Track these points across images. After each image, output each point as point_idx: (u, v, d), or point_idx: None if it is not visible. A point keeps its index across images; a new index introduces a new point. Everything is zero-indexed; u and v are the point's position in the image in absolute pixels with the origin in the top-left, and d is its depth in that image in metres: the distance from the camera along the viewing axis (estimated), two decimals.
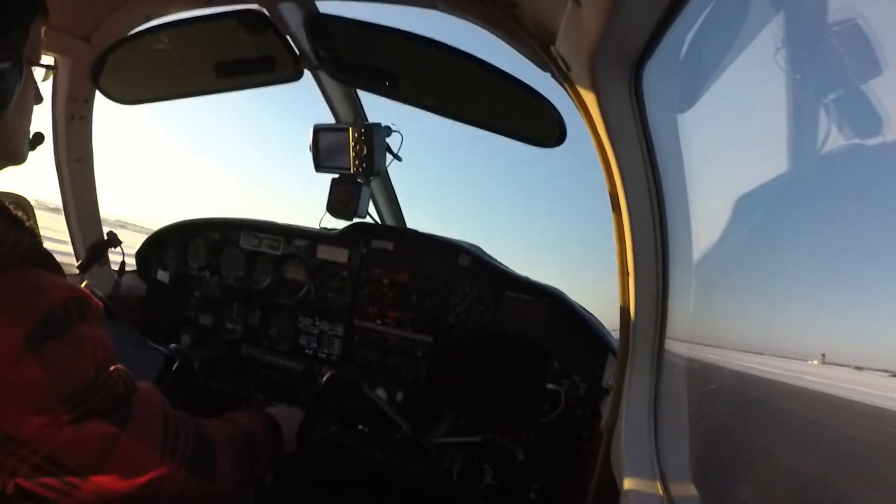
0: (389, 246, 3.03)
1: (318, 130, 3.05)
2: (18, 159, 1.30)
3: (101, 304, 1.23)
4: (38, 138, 1.37)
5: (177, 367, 2.35)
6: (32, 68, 1.29)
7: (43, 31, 1.30)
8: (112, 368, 1.20)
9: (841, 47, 1.09)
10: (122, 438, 1.15)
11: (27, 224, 1.20)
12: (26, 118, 1.30)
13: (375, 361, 3.03)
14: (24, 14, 1.21)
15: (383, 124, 2.98)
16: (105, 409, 1.14)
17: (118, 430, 1.15)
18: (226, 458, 1.41)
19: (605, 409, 2.18)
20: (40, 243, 1.20)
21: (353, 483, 2.99)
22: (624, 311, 1.95)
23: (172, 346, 2.45)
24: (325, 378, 2.48)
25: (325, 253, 3.15)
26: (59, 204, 2.93)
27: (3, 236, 1.10)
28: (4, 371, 1.02)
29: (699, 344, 1.86)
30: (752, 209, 1.53)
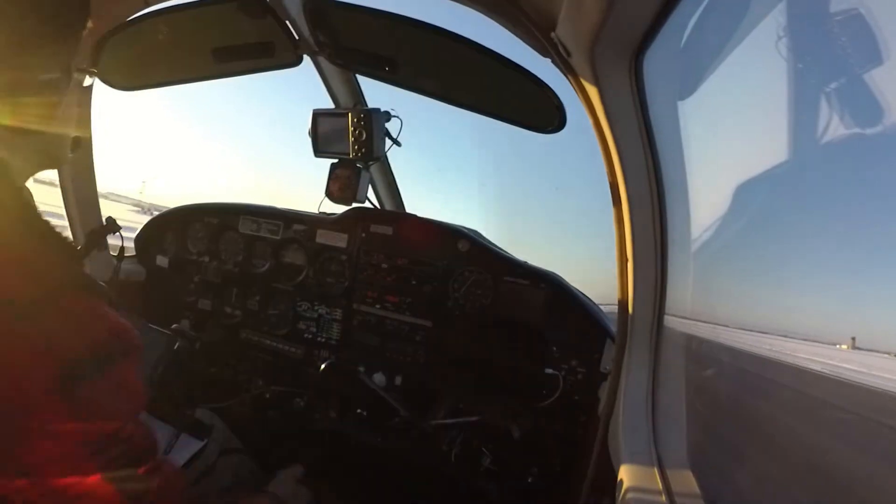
0: (388, 231, 3.04)
1: (318, 115, 3.04)
2: (59, 163, 1.31)
3: (139, 340, 1.15)
4: (77, 141, 1.35)
5: (178, 347, 2.36)
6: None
7: None
8: (141, 424, 1.11)
9: (843, 37, 1.09)
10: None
11: (72, 247, 1.17)
12: (70, 123, 1.29)
13: (374, 346, 3.04)
14: (76, 23, 1.21)
15: (383, 109, 2.97)
16: (125, 468, 1.03)
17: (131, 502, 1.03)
18: None
19: (604, 394, 2.20)
20: (85, 271, 1.17)
21: (352, 467, 3.01)
22: (622, 296, 1.96)
23: (174, 326, 2.45)
24: (322, 367, 2.49)
25: (324, 237, 3.15)
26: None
27: (49, 264, 1.08)
28: (35, 405, 0.96)
29: (698, 322, 1.87)
30: (752, 196, 1.54)
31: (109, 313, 1.10)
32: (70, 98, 1.25)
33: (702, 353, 1.95)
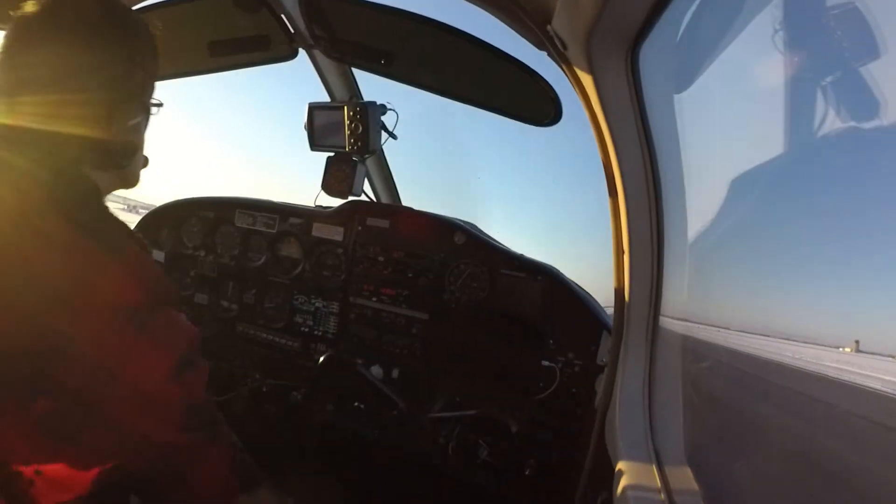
0: (385, 224, 3.04)
1: (314, 109, 3.04)
2: (135, 185, 1.49)
3: None
4: (146, 162, 1.50)
5: None
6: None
7: None
8: (210, 399, 1.43)
9: (839, 30, 1.09)
10: (209, 451, 1.39)
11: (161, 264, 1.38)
12: (143, 149, 1.46)
13: (371, 339, 3.05)
14: (153, 69, 1.39)
15: (378, 102, 2.97)
16: (205, 425, 1.38)
17: (210, 443, 1.39)
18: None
19: (600, 387, 2.20)
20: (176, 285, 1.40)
21: (349, 460, 3.02)
22: (619, 288, 1.96)
23: None
24: (321, 360, 2.49)
25: (320, 231, 3.15)
26: None
27: (157, 279, 1.33)
28: (155, 389, 1.24)
29: (694, 323, 1.86)
30: (748, 190, 1.54)
31: (186, 320, 1.37)
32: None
33: (716, 364, 1.94)
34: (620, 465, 1.63)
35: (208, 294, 3.38)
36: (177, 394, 1.27)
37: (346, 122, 2.92)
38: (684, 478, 1.54)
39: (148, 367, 1.23)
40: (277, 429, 2.98)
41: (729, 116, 1.68)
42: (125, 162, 1.38)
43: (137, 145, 1.40)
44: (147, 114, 1.41)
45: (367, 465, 2.97)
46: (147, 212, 3.65)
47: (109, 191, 1.42)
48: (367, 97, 3.21)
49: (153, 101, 1.42)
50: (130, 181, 1.47)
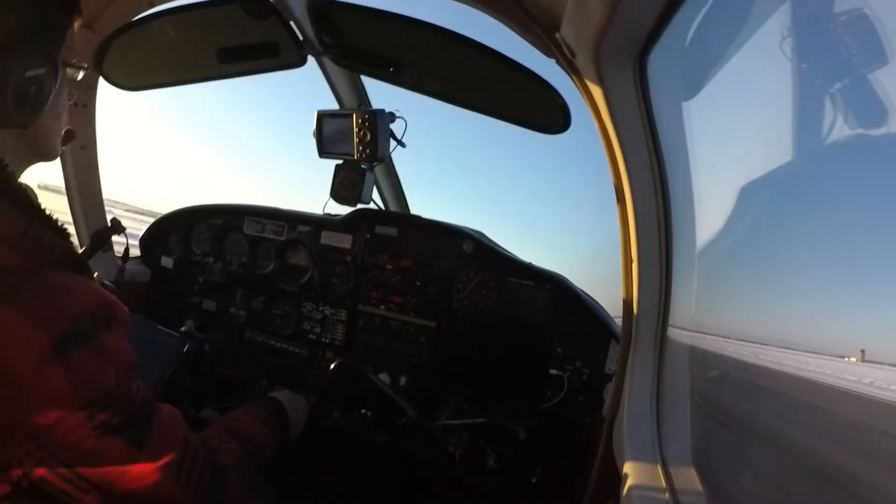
0: (393, 232, 3.04)
1: (322, 116, 3.05)
2: (51, 156, 1.37)
3: (126, 310, 1.25)
4: (69, 135, 1.41)
5: (188, 351, 2.36)
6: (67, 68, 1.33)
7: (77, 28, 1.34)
8: (133, 383, 1.21)
9: (847, 37, 1.08)
10: (138, 460, 1.18)
11: (61, 227, 1.22)
12: (60, 118, 1.35)
13: (379, 346, 3.05)
14: (61, 19, 1.26)
15: (387, 110, 2.97)
16: (124, 425, 1.16)
17: (136, 451, 1.18)
18: (238, 484, 1.44)
19: (608, 395, 2.19)
20: (74, 247, 1.23)
21: (356, 467, 3.01)
22: (627, 297, 1.96)
23: (183, 329, 2.46)
24: (332, 367, 2.49)
25: (328, 238, 3.16)
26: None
27: (37, 239, 1.12)
28: (29, 373, 1.04)
29: (703, 333, 1.85)
30: (756, 198, 1.53)
31: (91, 285, 1.17)
32: (59, 93, 1.30)
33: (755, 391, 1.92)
34: (627, 474, 1.62)
35: (216, 301, 3.39)
36: (62, 378, 1.07)
37: (355, 129, 2.92)
38: (692, 487, 1.53)
39: (12, 347, 1.04)
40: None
41: (738, 124, 1.68)
42: (22, 116, 1.21)
43: (38, 100, 1.23)
44: (55, 70, 1.25)
45: (374, 472, 2.97)
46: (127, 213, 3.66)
47: (21, 162, 1.31)
48: (375, 105, 3.22)
49: (68, 60, 1.30)
50: (43, 151, 1.35)
